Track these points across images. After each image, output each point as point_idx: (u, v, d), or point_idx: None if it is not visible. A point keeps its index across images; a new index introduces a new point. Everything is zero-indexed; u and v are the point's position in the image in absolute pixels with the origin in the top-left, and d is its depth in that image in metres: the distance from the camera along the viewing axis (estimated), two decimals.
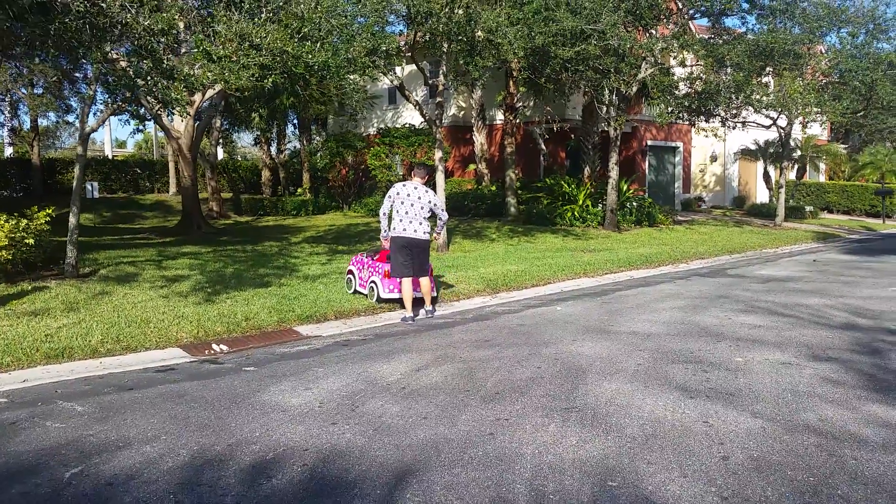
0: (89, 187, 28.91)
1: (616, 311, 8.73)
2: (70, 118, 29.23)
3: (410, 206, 8.14)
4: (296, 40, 8.99)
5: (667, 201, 27.69)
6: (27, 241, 10.07)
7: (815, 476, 3.71)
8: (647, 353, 6.45)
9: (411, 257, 8.18)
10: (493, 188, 23.83)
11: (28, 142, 31.00)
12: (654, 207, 22.32)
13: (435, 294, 9.03)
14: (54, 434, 4.38)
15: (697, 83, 19.33)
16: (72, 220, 10.55)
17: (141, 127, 32.23)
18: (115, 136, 73.97)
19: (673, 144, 28.51)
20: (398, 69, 20.74)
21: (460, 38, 13.17)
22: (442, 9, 12.56)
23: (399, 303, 8.82)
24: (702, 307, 8.85)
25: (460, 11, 12.69)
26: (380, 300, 8.94)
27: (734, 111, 20.35)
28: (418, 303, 8.55)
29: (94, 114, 13.81)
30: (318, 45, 9.51)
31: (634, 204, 22.00)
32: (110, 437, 4.32)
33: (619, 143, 19.87)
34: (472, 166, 26.11)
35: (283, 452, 4.07)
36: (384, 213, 8.27)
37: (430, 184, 18.68)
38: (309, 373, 5.84)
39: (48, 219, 10.93)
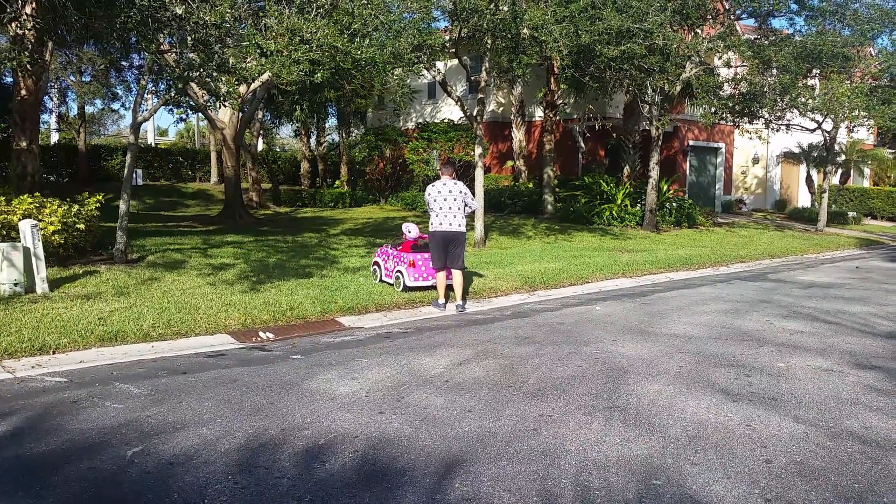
0: (134, 174, 29.52)
1: (656, 312, 8.73)
2: (115, 106, 29.87)
3: (444, 202, 8.67)
4: (345, 36, 9.12)
5: (707, 203, 27.38)
6: (78, 226, 10.39)
7: (860, 483, 3.73)
8: (689, 355, 6.46)
9: (447, 249, 8.67)
10: (531, 185, 23.82)
11: (75, 128, 31.79)
12: (693, 209, 22.11)
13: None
14: (113, 414, 4.57)
15: (742, 84, 19.07)
16: (122, 206, 10.84)
17: (184, 117, 32.78)
18: (157, 124, 75.31)
19: (715, 145, 28.17)
20: (440, 64, 20.85)
21: (504, 35, 13.20)
22: (487, 6, 12.61)
23: (426, 291, 9.18)
24: (743, 311, 8.81)
25: (505, 8, 12.72)
26: (406, 288, 9.25)
27: (778, 113, 20.03)
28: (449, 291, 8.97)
29: (144, 103, 14.13)
30: (366, 40, 9.65)
31: (674, 205, 21.81)
32: (167, 419, 4.50)
33: (660, 142, 19.73)
34: (509, 163, 26.12)
35: (334, 438, 4.21)
36: (432, 212, 8.87)
37: (470, 179, 18.76)
38: (354, 363, 5.98)
39: (98, 205, 11.27)
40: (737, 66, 20.12)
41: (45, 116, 32.09)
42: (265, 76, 10.61)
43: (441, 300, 8.73)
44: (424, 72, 15.55)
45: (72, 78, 28.54)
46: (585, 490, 3.57)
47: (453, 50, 14.86)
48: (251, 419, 4.52)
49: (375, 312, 8.31)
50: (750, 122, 20.72)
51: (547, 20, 12.07)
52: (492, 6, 12.65)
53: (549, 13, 12.17)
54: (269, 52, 8.36)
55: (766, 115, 20.28)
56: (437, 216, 8.70)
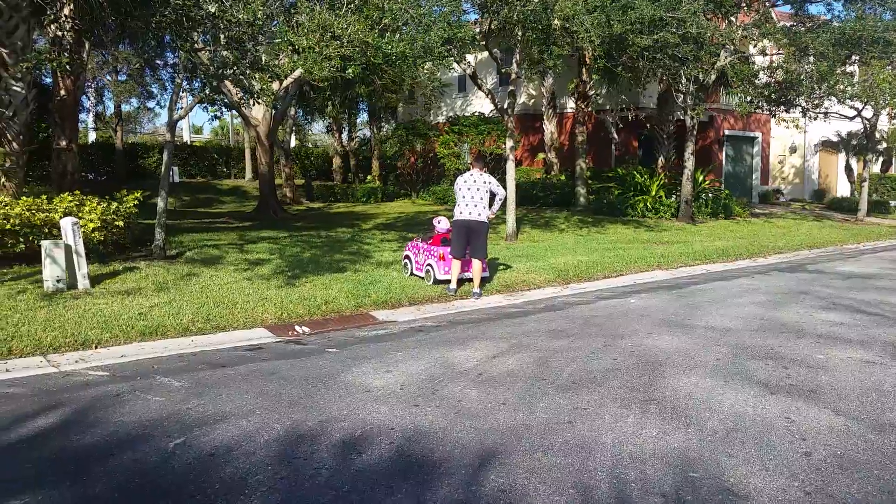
0: (171, 172, 30.03)
1: (692, 304, 8.63)
2: (150, 104, 30.40)
3: (468, 191, 8.87)
4: (375, 31, 9.16)
5: (744, 193, 26.96)
6: (117, 223, 10.62)
7: None
8: (726, 348, 6.39)
9: (468, 239, 8.86)
10: (563, 177, 23.68)
11: (112, 127, 32.40)
12: (730, 199, 21.79)
13: (486, 274, 9.46)
14: (155, 406, 4.67)
15: (778, 72, 18.71)
16: (160, 203, 11.04)
17: (219, 114, 33.24)
18: (192, 122, 76.40)
19: (751, 135, 27.70)
20: (470, 57, 20.79)
21: (535, 26, 13.13)
22: None
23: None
24: (781, 303, 8.67)
25: None
26: (436, 281, 9.37)
27: (816, 101, 19.61)
28: (461, 282, 9.24)
29: (179, 101, 14.35)
30: (397, 35, 9.67)
31: (710, 195, 21.52)
32: (208, 411, 4.58)
33: (695, 132, 19.46)
34: (541, 155, 25.99)
35: (370, 430, 4.25)
36: (456, 202, 9.03)
37: (501, 172, 18.71)
38: (388, 356, 6.03)
39: (136, 202, 11.49)
40: (773, 54, 19.73)
41: (82, 115, 32.73)
42: (297, 73, 10.70)
43: (453, 286, 8.98)
44: (455, 65, 15.52)
45: (108, 77, 29.10)
46: (622, 482, 3.56)
47: (483, 43, 14.82)
48: (289, 411, 4.59)
49: (408, 306, 8.35)
50: (787, 111, 20.31)
51: (578, 10, 11.97)
52: None
53: (580, 3, 12.05)
54: (300, 49, 8.43)
55: (804, 104, 19.86)
56: (459, 205, 8.93)
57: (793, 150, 29.36)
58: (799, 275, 11.29)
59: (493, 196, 8.96)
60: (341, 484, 3.52)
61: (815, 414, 4.60)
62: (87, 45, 16.05)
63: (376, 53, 9.35)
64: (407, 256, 10.26)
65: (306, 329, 7.20)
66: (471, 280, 9.14)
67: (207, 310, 7.48)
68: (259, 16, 9.05)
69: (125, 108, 34.63)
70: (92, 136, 37.71)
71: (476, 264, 8.96)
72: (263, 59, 9.48)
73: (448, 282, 9.22)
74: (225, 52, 8.85)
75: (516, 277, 10.11)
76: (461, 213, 8.89)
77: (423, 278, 9.69)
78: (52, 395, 4.91)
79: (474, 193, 8.84)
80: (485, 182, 8.88)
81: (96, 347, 6.23)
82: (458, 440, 4.11)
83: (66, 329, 6.49)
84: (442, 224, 9.88)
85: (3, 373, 5.44)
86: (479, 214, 8.84)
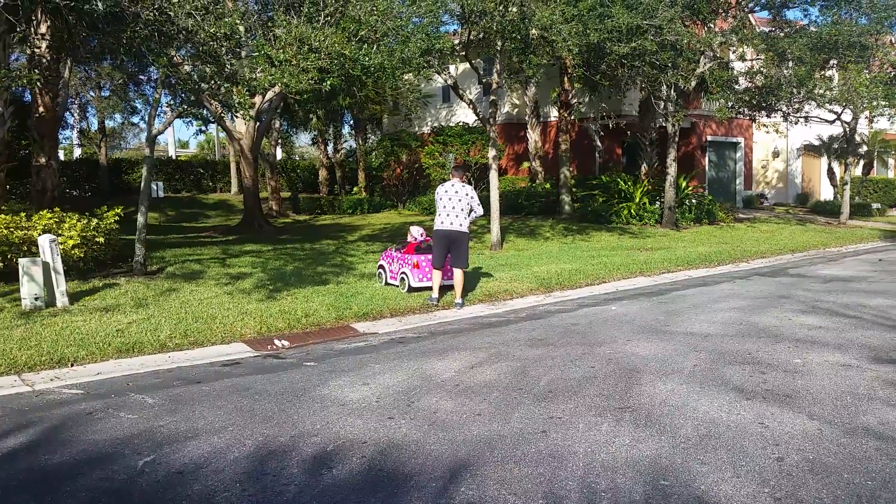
0: (154, 187, 29.93)
1: (672, 311, 8.66)
2: (135, 119, 30.39)
3: (448, 201, 8.90)
4: (353, 43, 9.18)
5: (728, 198, 27.12)
6: (97, 239, 10.56)
7: (874, 480, 3.67)
8: (704, 353, 6.41)
9: (449, 248, 8.92)
10: (548, 186, 23.75)
11: (96, 143, 32.29)
12: (714, 205, 21.91)
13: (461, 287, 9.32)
14: (127, 424, 4.63)
15: (758, 78, 18.88)
16: (140, 219, 10.98)
17: (203, 128, 33.20)
18: (178, 136, 76.28)
19: (734, 140, 27.90)
20: (452, 68, 20.86)
21: (514, 35, 13.20)
22: (496, 7, 12.61)
23: (442, 296, 9.18)
24: (761, 308, 8.71)
25: (514, 9, 12.72)
26: (410, 289, 9.50)
27: (796, 106, 19.79)
28: (443, 291, 9.26)
29: (160, 116, 14.35)
30: (375, 47, 9.69)
31: (694, 201, 21.63)
32: (180, 428, 4.55)
33: (677, 138, 19.58)
34: (525, 164, 26.05)
35: (342, 444, 4.23)
36: (437, 211, 9.06)
37: (484, 181, 18.75)
38: (366, 368, 6.01)
39: (117, 218, 11.43)
40: (752, 60, 19.90)
41: (66, 132, 32.65)
42: (277, 87, 10.70)
43: (435, 295, 8.99)
44: (436, 76, 15.59)
45: (91, 93, 29.00)
46: (592, 492, 3.56)
47: (463, 53, 14.88)
48: (262, 427, 4.56)
49: (390, 318, 8.34)
50: (768, 116, 20.48)
51: (555, 20, 12.04)
52: (500, 8, 12.65)
53: (557, 13, 12.13)
54: (277, 62, 8.43)
55: (784, 108, 20.04)
56: (440, 215, 8.95)
57: (776, 154, 29.59)
58: (780, 279, 11.36)
59: (470, 210, 8.98)
60: (309, 500, 3.49)
61: (790, 419, 4.61)
62: (68, 62, 16.00)
63: (354, 66, 9.36)
64: (381, 266, 10.35)
65: (286, 343, 7.17)
66: (452, 288, 9.17)
67: (186, 325, 7.43)
68: (239, 30, 9.07)
69: (109, 123, 34.56)
70: (77, 152, 37.56)
71: (458, 274, 9.00)
72: (241, 72, 9.48)
73: (423, 289, 9.36)
74: (201, 66, 8.84)
75: (499, 287, 10.12)
76: (442, 222, 8.92)
77: (397, 286, 9.78)
78: (24, 414, 4.86)
79: (455, 203, 8.88)
80: (466, 193, 8.92)
81: (72, 365, 6.18)
82: (430, 452, 4.09)
83: (42, 347, 6.43)
84: (415, 232, 10.00)
85: None
86: (461, 224, 8.90)
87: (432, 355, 6.47)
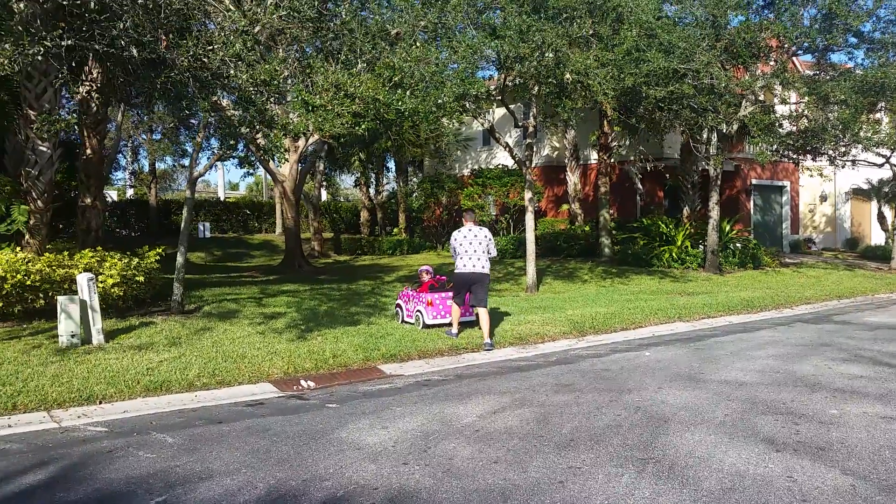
0: (201, 227, 30.66)
1: (708, 358, 8.42)
2: (185, 162, 31.23)
3: (469, 245, 9.21)
4: (387, 88, 9.33)
5: (774, 243, 26.53)
6: (138, 278, 10.79)
7: None
8: (736, 402, 6.19)
9: (472, 290, 9.23)
10: (587, 228, 23.58)
11: (146, 184, 33.31)
12: (758, 249, 21.43)
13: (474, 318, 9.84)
14: (145, 463, 4.66)
15: (801, 121, 18.57)
16: (179, 259, 11.22)
17: (251, 171, 34.04)
18: (228, 178, 78.31)
19: (779, 183, 27.39)
20: (491, 112, 21.05)
21: (549, 80, 13.28)
22: (532, 53, 12.72)
23: (470, 338, 9.13)
24: (801, 355, 8.41)
25: (550, 55, 12.81)
26: (425, 326, 9.90)
27: (842, 149, 19.36)
28: (463, 326, 9.80)
29: (208, 158, 14.73)
30: (409, 92, 9.84)
31: (738, 245, 21.20)
32: (195, 469, 4.55)
33: (719, 182, 19.30)
34: (565, 206, 25.97)
35: (353, 490, 4.17)
36: (454, 254, 9.49)
37: (522, 224, 18.73)
38: (387, 412, 5.96)
39: (158, 258, 11.69)
40: (795, 103, 19.63)
41: (119, 173, 33.74)
42: (312, 129, 10.93)
43: (454, 330, 9.38)
44: (472, 120, 15.75)
45: (143, 136, 30.02)
46: None
47: (499, 98, 15.00)
48: (275, 469, 4.53)
49: (418, 360, 8.29)
50: (813, 159, 20.08)
51: (590, 65, 12.08)
52: (537, 54, 12.76)
53: (591, 58, 12.18)
54: (313, 107, 8.62)
55: (830, 152, 19.63)
56: (461, 259, 9.23)
57: (823, 198, 28.93)
58: (823, 326, 10.98)
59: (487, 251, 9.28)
60: None
61: (821, 473, 4.40)
62: (121, 107, 16.63)
63: (388, 110, 9.50)
64: (398, 305, 10.78)
65: (311, 384, 7.17)
66: (471, 325, 9.71)
67: (215, 365, 7.50)
68: (277, 77, 9.30)
69: (160, 165, 35.65)
70: (129, 193, 38.78)
71: (483, 314, 9.14)
72: (280, 117, 9.71)
73: (437, 326, 9.86)
74: (238, 112, 9.09)
75: (530, 329, 10.00)
76: (464, 265, 9.18)
77: (413, 324, 10.17)
78: (47, 451, 4.93)
79: (476, 247, 9.17)
80: (485, 236, 9.25)
81: (100, 403, 6.27)
82: (441, 501, 4.01)
83: (72, 384, 6.56)
84: (428, 274, 10.59)
85: (4, 428, 5.49)
86: (483, 266, 9.19)
87: (455, 399, 6.39)
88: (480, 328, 9.24)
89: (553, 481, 4.32)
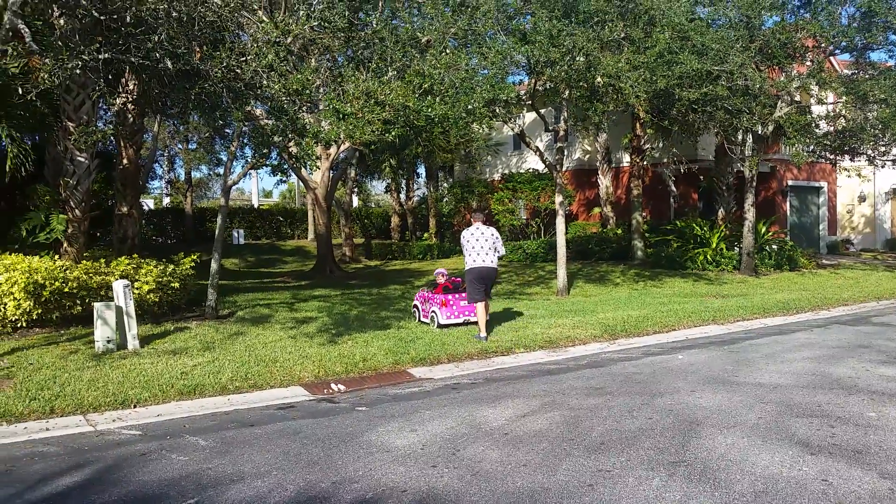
0: (236, 234, 31.08)
1: (743, 360, 8.29)
2: (219, 170, 31.74)
3: (476, 242, 9.75)
4: (416, 95, 9.39)
5: (811, 244, 26.03)
6: (173, 284, 10.99)
7: None
8: (771, 405, 6.08)
9: (484, 284, 9.70)
10: (619, 231, 23.39)
11: (182, 192, 33.89)
12: (795, 251, 21.04)
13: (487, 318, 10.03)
14: (177, 466, 4.73)
15: (840, 121, 18.20)
16: (213, 265, 11.40)
17: (284, 178, 34.46)
18: (262, 186, 79.22)
19: (816, 184, 26.88)
20: (521, 116, 21.02)
21: (580, 84, 13.22)
22: (562, 57, 12.68)
23: (500, 342, 9.03)
24: (838, 357, 8.24)
25: (581, 59, 12.76)
26: (440, 326, 10.31)
27: (882, 149, 18.91)
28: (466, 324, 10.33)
29: (242, 166, 14.96)
30: (439, 98, 9.88)
31: (774, 247, 20.83)
32: (227, 471, 4.61)
33: (755, 183, 19.00)
34: (596, 209, 25.81)
35: (382, 492, 4.19)
36: (465, 251, 9.91)
37: (553, 227, 18.64)
38: (416, 415, 5.97)
39: (193, 264, 11.89)
40: (832, 103, 19.26)
41: (155, 182, 34.39)
42: (343, 136, 11.06)
43: (483, 333, 9.50)
44: (503, 124, 15.77)
45: (179, 146, 30.57)
46: None
47: (530, 102, 14.98)
48: (305, 472, 4.57)
49: (447, 363, 8.30)
50: (851, 160, 19.66)
51: (622, 68, 12.00)
52: (567, 58, 12.71)
53: (623, 61, 12.10)
54: (343, 115, 8.71)
55: (869, 152, 19.20)
56: (470, 255, 9.77)
57: (862, 198, 28.32)
58: (861, 328, 10.74)
59: (495, 249, 9.79)
60: None
61: (857, 476, 4.31)
62: (157, 117, 16.95)
63: (418, 116, 9.56)
64: (415, 305, 11.26)
65: (342, 387, 7.22)
66: (474, 323, 10.01)
67: (247, 368, 7.60)
68: (310, 86, 9.42)
69: (195, 174, 36.27)
70: (166, 201, 39.52)
71: (482, 308, 9.66)
72: (312, 126, 9.83)
73: (451, 325, 10.30)
74: (270, 121, 9.22)
75: (561, 333, 9.95)
76: (474, 261, 9.71)
77: (428, 323, 10.59)
78: (82, 453, 5.04)
79: (483, 244, 9.70)
80: (492, 234, 9.79)
81: (135, 406, 6.39)
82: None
83: (108, 389, 6.69)
84: (443, 276, 10.97)
85: (42, 432, 5.62)
86: (492, 261, 9.77)
87: (484, 402, 6.38)
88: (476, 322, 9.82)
89: (582, 484, 4.29)
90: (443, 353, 8.53)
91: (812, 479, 4.27)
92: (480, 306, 9.60)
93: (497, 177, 28.61)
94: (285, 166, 14.95)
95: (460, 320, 10.39)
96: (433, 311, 10.50)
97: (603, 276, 18.12)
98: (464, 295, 10.24)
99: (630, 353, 9.07)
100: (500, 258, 10.07)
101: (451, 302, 10.38)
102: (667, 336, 10.35)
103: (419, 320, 10.94)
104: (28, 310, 9.25)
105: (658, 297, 14.21)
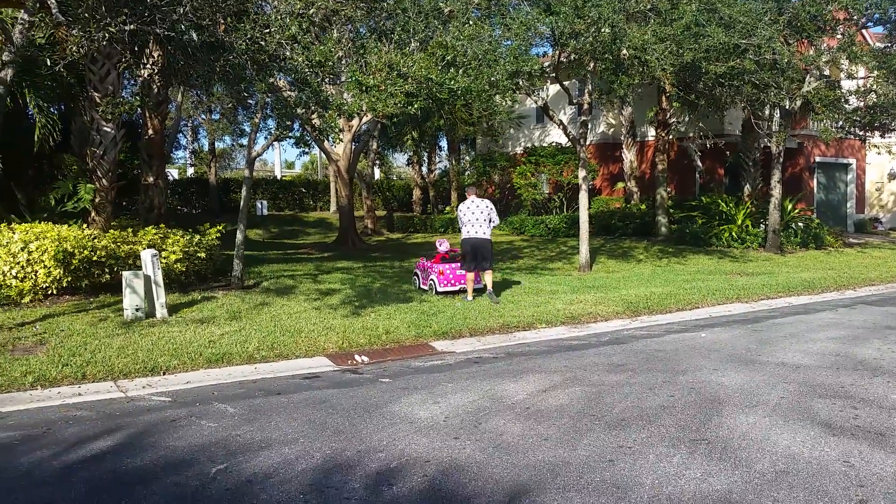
0: (259, 205, 31.26)
1: (766, 339, 8.26)
2: (243, 141, 31.83)
3: (471, 214, 10.54)
4: (439, 67, 9.34)
5: (837, 222, 25.67)
6: (199, 254, 11.13)
7: None
8: (793, 385, 6.08)
9: (477, 254, 10.45)
10: (643, 207, 23.22)
11: (206, 163, 34.09)
12: (821, 229, 20.78)
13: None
14: (206, 432, 4.85)
15: (871, 96, 17.82)
16: (238, 236, 11.50)
17: (306, 150, 34.50)
18: (284, 157, 79.48)
19: (844, 161, 26.44)
20: (545, 89, 20.82)
21: (606, 56, 13.05)
22: (588, 29, 12.52)
23: (522, 317, 9.00)
24: (862, 338, 8.18)
25: (606, 30, 12.58)
26: (437, 293, 11.03)
27: None
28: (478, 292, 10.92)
29: (265, 138, 15.03)
30: (462, 70, 9.82)
31: (800, 225, 20.58)
32: (255, 438, 4.72)
33: (781, 159, 18.73)
34: (620, 184, 25.61)
35: (406, 462, 4.28)
36: (460, 222, 10.73)
37: (576, 202, 18.50)
38: (438, 387, 6.05)
39: (219, 234, 12.02)
40: (866, 77, 18.84)
41: (180, 152, 34.63)
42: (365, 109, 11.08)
43: (469, 297, 10.52)
44: (526, 97, 15.63)
45: (202, 116, 30.70)
46: None
47: (554, 75, 14.83)
48: (331, 440, 4.67)
49: (469, 337, 8.36)
50: (882, 136, 19.28)
51: (648, 40, 11.83)
52: (592, 29, 12.54)
53: (649, 33, 11.92)
54: (366, 88, 8.70)
55: None
56: (465, 227, 10.56)
57: (892, 176, 27.80)
58: (888, 308, 10.63)
59: (489, 220, 10.53)
60: None
61: (880, 459, 4.31)
62: (181, 88, 17.02)
63: (441, 89, 9.52)
64: (415, 273, 12.03)
65: (365, 358, 7.32)
66: (482, 291, 10.78)
67: (273, 338, 7.72)
68: (332, 58, 9.41)
69: (219, 145, 36.44)
70: (190, 172, 39.79)
71: (488, 274, 10.60)
72: (335, 98, 9.84)
73: (448, 293, 11.00)
74: (293, 93, 9.24)
75: (582, 309, 9.96)
76: (468, 232, 10.50)
77: (427, 290, 11.29)
78: (114, 419, 5.18)
79: (478, 216, 10.48)
80: (487, 206, 10.56)
81: (164, 374, 6.53)
82: (491, 475, 4.08)
83: (137, 356, 6.84)
84: (443, 246, 11.61)
85: (75, 397, 5.78)
86: (485, 233, 10.52)
87: (506, 376, 6.44)
88: (488, 287, 10.54)
89: (603, 459, 4.34)
90: (464, 327, 8.59)
91: (834, 461, 4.28)
92: (470, 276, 10.55)
93: (519, 150, 28.45)
94: (308, 138, 15.00)
95: (456, 288, 11.07)
96: (431, 280, 11.25)
97: (626, 252, 18.05)
98: (459, 265, 11.06)
99: (652, 330, 9.08)
100: (496, 228, 10.97)
101: (448, 271, 11.12)
102: (690, 314, 10.33)
103: (419, 287, 11.65)
104: (58, 277, 9.43)
105: (682, 274, 14.15)
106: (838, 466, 4.18)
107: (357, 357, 7.35)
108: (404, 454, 4.41)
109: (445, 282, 11.10)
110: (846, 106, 18.15)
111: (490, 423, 5.02)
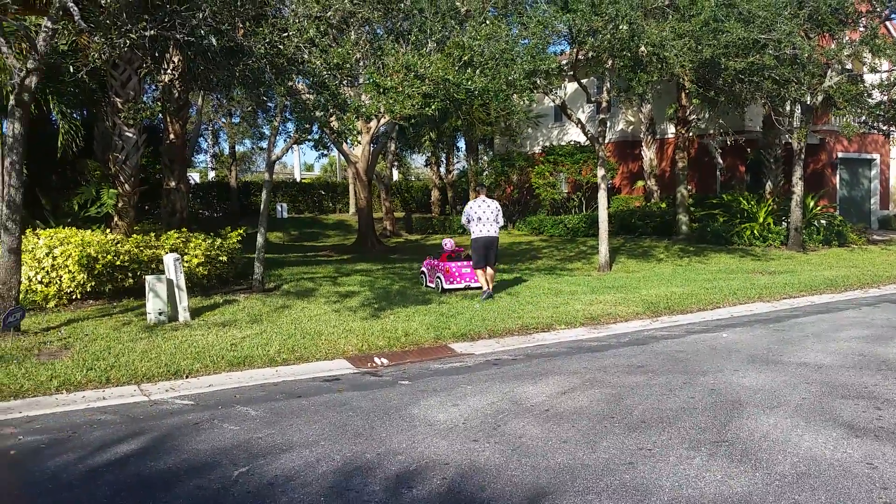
0: (279, 208, 31.48)
1: (788, 339, 8.19)
2: (262, 144, 32.07)
3: (483, 214, 10.90)
4: (456, 68, 9.36)
5: (861, 219, 25.34)
6: (221, 258, 11.24)
7: None
8: (816, 386, 6.02)
9: (488, 252, 10.84)
10: (663, 205, 23.08)
11: (227, 166, 34.38)
12: (844, 226, 20.54)
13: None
14: (229, 435, 4.91)
15: (894, 90, 17.57)
16: (259, 239, 11.60)
17: (325, 153, 34.70)
18: (303, 160, 79.91)
19: (868, 157, 26.07)
20: (562, 87, 20.76)
21: (624, 53, 13.00)
22: (605, 26, 12.47)
23: (539, 319, 8.97)
24: (886, 337, 8.08)
25: (624, 27, 12.53)
26: (443, 291, 11.38)
27: None
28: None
29: (285, 140, 15.12)
30: (479, 70, 9.83)
31: (823, 222, 20.36)
32: (276, 441, 4.77)
33: (803, 155, 18.53)
34: (640, 183, 25.47)
35: (425, 464, 4.30)
36: (466, 222, 11.10)
37: (595, 201, 18.42)
38: (458, 389, 6.07)
39: (240, 238, 12.13)
40: (890, 71, 18.59)
41: (200, 156, 34.96)
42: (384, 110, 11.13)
43: (488, 289, 10.83)
44: (544, 96, 15.61)
45: (223, 120, 30.96)
46: None
47: (571, 73, 14.79)
48: (351, 443, 4.70)
49: (488, 339, 8.37)
50: None
51: (666, 37, 11.76)
52: (610, 26, 12.50)
53: (667, 29, 11.85)
54: (384, 90, 8.74)
55: None
56: (476, 225, 10.88)
57: None
58: None
59: (496, 220, 10.89)
60: None
61: None
62: (201, 92, 17.18)
63: (458, 89, 9.54)
64: (423, 272, 12.32)
65: (385, 361, 7.35)
66: (475, 288, 11.23)
67: (294, 341, 7.77)
68: (350, 60, 9.46)
69: (239, 148, 36.75)
70: (211, 175, 40.15)
71: (490, 271, 10.94)
72: (353, 100, 9.90)
73: (453, 290, 11.37)
74: (311, 96, 9.30)
75: (602, 310, 9.93)
76: (480, 231, 10.84)
77: (433, 288, 11.62)
78: (138, 422, 5.25)
79: (489, 215, 10.86)
80: (496, 207, 10.97)
81: (187, 377, 6.61)
82: (510, 478, 4.09)
83: (160, 360, 6.92)
84: (448, 245, 11.93)
85: (99, 400, 5.87)
86: (495, 231, 10.93)
87: (525, 378, 6.45)
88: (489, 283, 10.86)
89: (622, 462, 4.33)
90: (483, 329, 8.60)
91: (856, 462, 4.24)
92: (481, 273, 10.84)
93: (538, 149, 28.40)
94: (327, 141, 15.08)
95: (461, 285, 11.49)
96: (438, 277, 11.57)
97: (646, 252, 17.95)
98: (465, 263, 11.50)
99: (673, 330, 9.03)
100: (502, 228, 11.27)
101: (454, 269, 11.47)
102: (711, 314, 10.26)
103: (426, 285, 11.97)
104: (82, 282, 9.57)
105: (703, 274, 14.05)
106: (861, 468, 4.14)
107: (376, 359, 7.39)
108: (424, 457, 4.43)
109: (451, 280, 11.43)
110: (869, 100, 17.91)
111: (509, 426, 5.03)
